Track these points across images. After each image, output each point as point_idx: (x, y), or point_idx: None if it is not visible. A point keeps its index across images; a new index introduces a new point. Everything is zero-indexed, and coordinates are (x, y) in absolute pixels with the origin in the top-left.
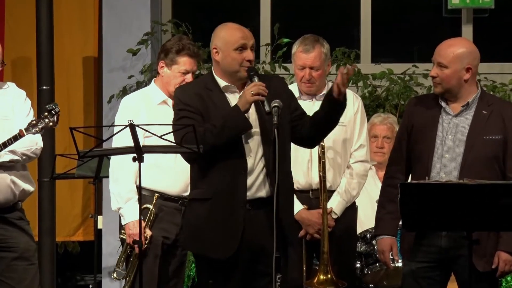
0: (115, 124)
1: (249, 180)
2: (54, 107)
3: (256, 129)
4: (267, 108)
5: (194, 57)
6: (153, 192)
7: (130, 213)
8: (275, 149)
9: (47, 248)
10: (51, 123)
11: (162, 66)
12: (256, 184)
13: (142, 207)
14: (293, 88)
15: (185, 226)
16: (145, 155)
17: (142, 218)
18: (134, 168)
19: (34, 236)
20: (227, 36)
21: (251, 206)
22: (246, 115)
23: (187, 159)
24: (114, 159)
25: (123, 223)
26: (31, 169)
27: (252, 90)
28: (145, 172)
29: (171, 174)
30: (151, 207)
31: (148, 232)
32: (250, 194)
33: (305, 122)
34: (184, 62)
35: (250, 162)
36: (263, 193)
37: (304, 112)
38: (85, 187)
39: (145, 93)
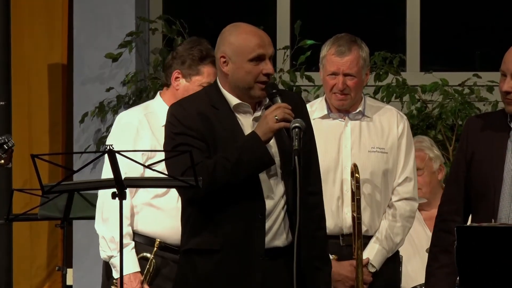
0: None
1: (266, 225)
2: (6, 140)
3: (276, 162)
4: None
5: (215, 67)
6: (149, 238)
7: (126, 264)
8: (296, 182)
9: None
10: (2, 161)
11: (178, 77)
12: (273, 230)
13: (138, 256)
14: (319, 104)
15: (181, 285)
16: (140, 191)
17: (140, 270)
18: (128, 205)
19: None
20: (240, 43)
21: (266, 257)
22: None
23: (187, 200)
24: (102, 193)
25: (115, 276)
26: None
27: (277, 115)
28: (139, 212)
29: (172, 216)
30: (150, 256)
31: None
32: (265, 242)
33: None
34: (209, 73)
35: (269, 203)
36: (280, 241)
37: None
38: (51, 231)
39: (149, 109)
